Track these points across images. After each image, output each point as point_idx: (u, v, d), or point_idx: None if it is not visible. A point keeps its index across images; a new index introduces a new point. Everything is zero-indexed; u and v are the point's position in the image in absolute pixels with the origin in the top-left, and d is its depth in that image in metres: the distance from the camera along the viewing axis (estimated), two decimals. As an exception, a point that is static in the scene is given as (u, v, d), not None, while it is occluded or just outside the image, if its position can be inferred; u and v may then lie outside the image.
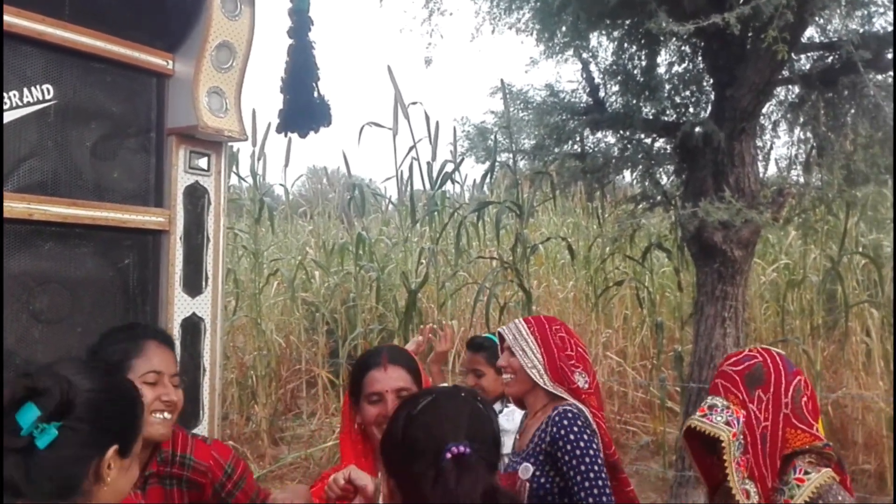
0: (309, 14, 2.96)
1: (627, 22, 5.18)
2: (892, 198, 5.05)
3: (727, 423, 1.93)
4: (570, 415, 2.27)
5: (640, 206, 5.50)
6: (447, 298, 7.35)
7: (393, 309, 7.72)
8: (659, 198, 5.47)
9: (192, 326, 2.79)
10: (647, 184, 5.61)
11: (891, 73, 4.82)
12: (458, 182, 9.20)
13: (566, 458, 2.21)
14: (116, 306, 2.63)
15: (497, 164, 6.91)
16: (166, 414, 2.03)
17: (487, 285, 6.49)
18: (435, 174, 7.77)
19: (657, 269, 7.86)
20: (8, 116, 2.37)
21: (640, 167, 5.52)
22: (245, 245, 8.19)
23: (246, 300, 7.87)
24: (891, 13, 4.68)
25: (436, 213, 7.81)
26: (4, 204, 2.31)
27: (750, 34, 4.68)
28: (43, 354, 2.43)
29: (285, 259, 9.03)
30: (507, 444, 3.01)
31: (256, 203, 7.81)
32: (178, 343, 2.73)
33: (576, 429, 2.23)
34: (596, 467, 2.19)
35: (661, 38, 4.67)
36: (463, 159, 7.48)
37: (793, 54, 4.53)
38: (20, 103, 2.40)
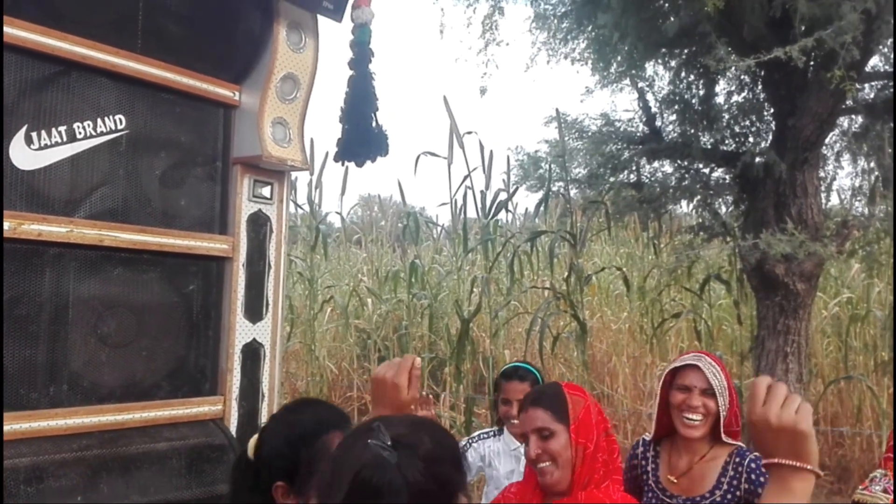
0: (370, 46, 3.00)
1: (685, 51, 5.16)
2: (893, 207, 4.89)
3: (884, 491, 2.02)
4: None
5: (699, 236, 5.41)
6: (500, 328, 7.31)
7: (445, 337, 7.71)
8: (717, 229, 5.38)
9: (253, 352, 2.82)
10: (705, 214, 5.53)
11: None
12: (510, 211, 9.20)
13: None
14: (180, 331, 2.68)
15: (550, 193, 6.89)
16: None
17: (540, 315, 6.43)
18: (488, 203, 7.78)
19: (714, 301, 7.71)
20: (82, 146, 2.46)
21: (699, 197, 5.45)
22: (300, 272, 8.29)
23: (300, 326, 7.95)
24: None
25: (489, 241, 7.80)
26: (76, 230, 2.39)
27: (812, 63, 4.61)
28: (109, 377, 2.48)
29: (339, 286, 9.11)
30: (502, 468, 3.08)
31: (312, 231, 7.91)
32: (238, 368, 2.77)
33: None
34: None
35: (721, 66, 4.62)
36: (517, 188, 7.48)
37: (856, 84, 4.44)
38: (94, 133, 2.49)
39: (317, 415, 1.89)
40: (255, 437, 1.86)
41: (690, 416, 2.42)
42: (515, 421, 3.06)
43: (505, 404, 3.15)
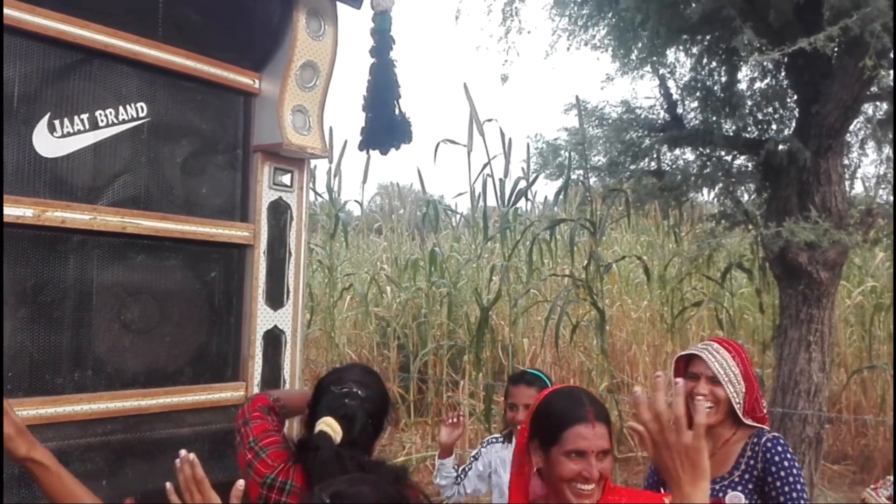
0: (391, 33, 3.00)
1: (707, 37, 5.09)
2: (893, 202, 4.82)
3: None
4: (781, 442, 2.38)
5: (720, 224, 5.36)
6: (519, 316, 7.30)
7: (464, 325, 7.72)
8: (739, 217, 5.32)
9: (274, 339, 2.84)
10: (727, 202, 5.48)
11: None
12: (530, 199, 9.17)
13: (778, 484, 2.31)
14: (202, 318, 2.70)
15: (570, 181, 6.86)
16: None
17: (560, 303, 6.42)
18: (508, 191, 7.76)
19: (736, 289, 7.65)
20: (104, 134, 2.48)
21: (720, 185, 5.39)
22: (320, 260, 8.32)
23: (320, 314, 7.99)
24: None
25: (508, 229, 7.78)
26: (99, 218, 2.41)
27: (836, 50, 4.54)
28: (132, 363, 2.51)
29: (358, 274, 9.14)
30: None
31: (332, 219, 7.93)
32: (259, 355, 2.79)
33: (789, 456, 2.35)
34: (805, 495, 2.31)
35: (743, 54, 4.57)
36: (537, 176, 7.44)
37: (886, 70, 4.37)
38: (116, 121, 2.50)
39: (372, 371, 2.15)
40: (331, 420, 1.90)
41: (702, 403, 2.43)
42: None
43: (511, 409, 3.11)
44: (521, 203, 8.21)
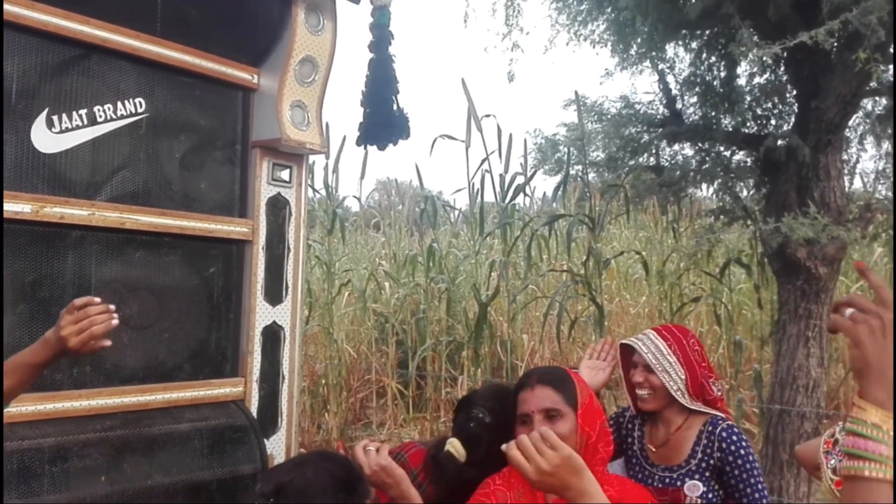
0: (389, 28, 2.99)
1: (707, 33, 5.08)
2: (893, 200, 4.81)
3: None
4: (736, 431, 2.40)
5: (719, 220, 5.36)
6: (518, 312, 7.30)
7: (462, 321, 7.71)
8: (738, 212, 5.32)
9: (273, 335, 2.84)
10: (726, 198, 5.47)
11: None
12: (528, 195, 9.16)
13: (736, 472, 2.33)
14: (201, 314, 2.70)
15: (569, 176, 6.85)
16: None
17: (558, 299, 6.41)
18: (506, 187, 7.75)
19: (735, 285, 7.65)
20: (102, 129, 2.47)
21: (719, 180, 5.38)
22: (318, 255, 8.32)
23: (318, 310, 7.98)
24: None
25: (507, 225, 7.77)
26: (98, 213, 2.40)
27: (835, 44, 4.53)
28: (131, 359, 2.51)
29: (356, 270, 9.13)
30: None
31: (329, 215, 7.92)
32: (258, 351, 2.79)
33: (744, 444, 2.37)
34: (762, 481, 2.35)
35: (739, 53, 4.56)
36: (535, 172, 7.43)
37: (881, 65, 4.37)
38: (114, 116, 2.50)
39: (503, 393, 2.18)
40: (456, 442, 2.06)
41: (637, 391, 2.51)
42: None
43: None
44: (520, 199, 8.19)
